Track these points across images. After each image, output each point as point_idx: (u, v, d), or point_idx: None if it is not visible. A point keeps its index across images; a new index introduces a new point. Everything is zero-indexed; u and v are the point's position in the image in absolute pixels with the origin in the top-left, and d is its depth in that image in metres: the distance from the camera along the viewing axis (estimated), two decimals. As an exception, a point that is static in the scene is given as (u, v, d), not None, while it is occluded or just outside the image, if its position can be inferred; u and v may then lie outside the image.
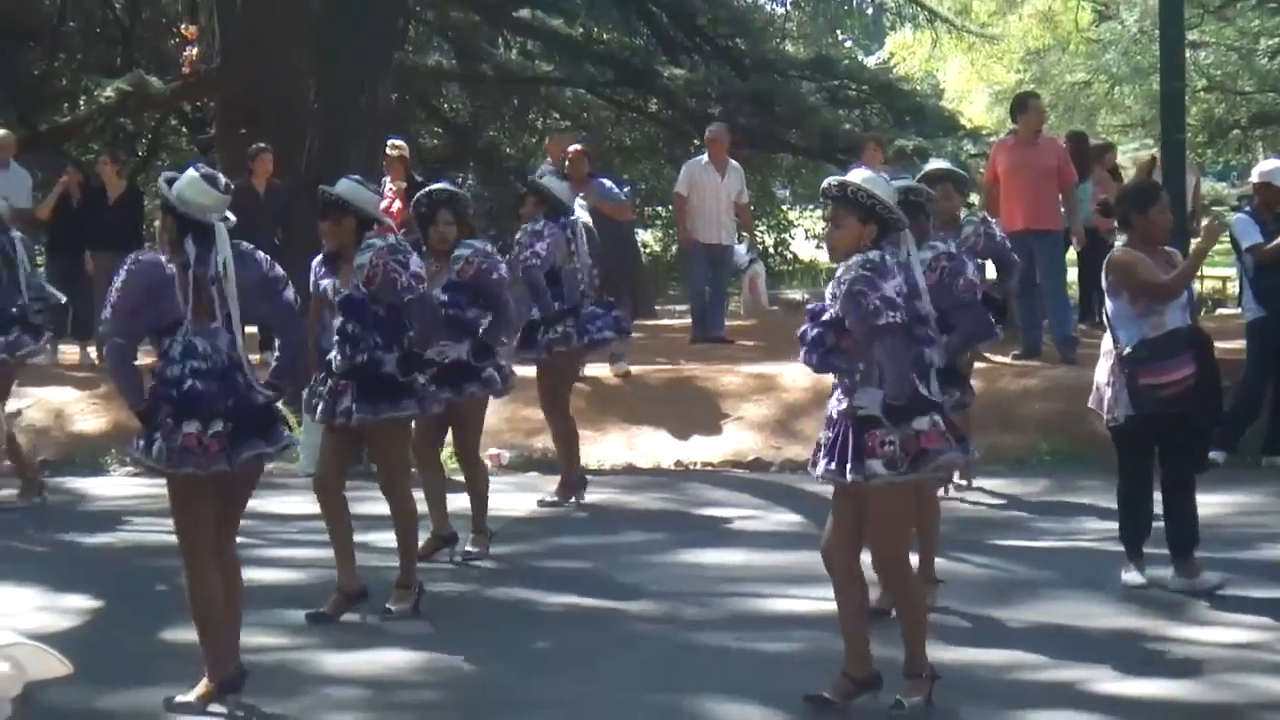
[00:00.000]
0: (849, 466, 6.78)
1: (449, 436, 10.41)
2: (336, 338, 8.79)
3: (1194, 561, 8.97)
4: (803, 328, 6.96)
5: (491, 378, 10.06)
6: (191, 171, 7.16)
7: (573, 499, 11.80)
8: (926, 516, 8.53)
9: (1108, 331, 9.03)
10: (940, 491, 11.26)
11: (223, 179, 7.22)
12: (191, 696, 7.16)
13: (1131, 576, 9.04)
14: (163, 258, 7.09)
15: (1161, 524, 9.09)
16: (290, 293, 7.40)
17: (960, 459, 7.22)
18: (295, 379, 7.95)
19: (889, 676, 6.99)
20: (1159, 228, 8.94)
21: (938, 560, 8.82)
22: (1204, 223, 16.12)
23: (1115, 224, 12.93)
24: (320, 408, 8.81)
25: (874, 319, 6.60)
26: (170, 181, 7.17)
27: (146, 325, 7.11)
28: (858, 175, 6.95)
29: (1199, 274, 18.05)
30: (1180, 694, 7.29)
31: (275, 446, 7.25)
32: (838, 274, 6.81)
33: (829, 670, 7.05)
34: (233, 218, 7.23)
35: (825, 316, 6.84)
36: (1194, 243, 10.73)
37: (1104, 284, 9.03)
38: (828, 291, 6.87)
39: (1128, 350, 8.77)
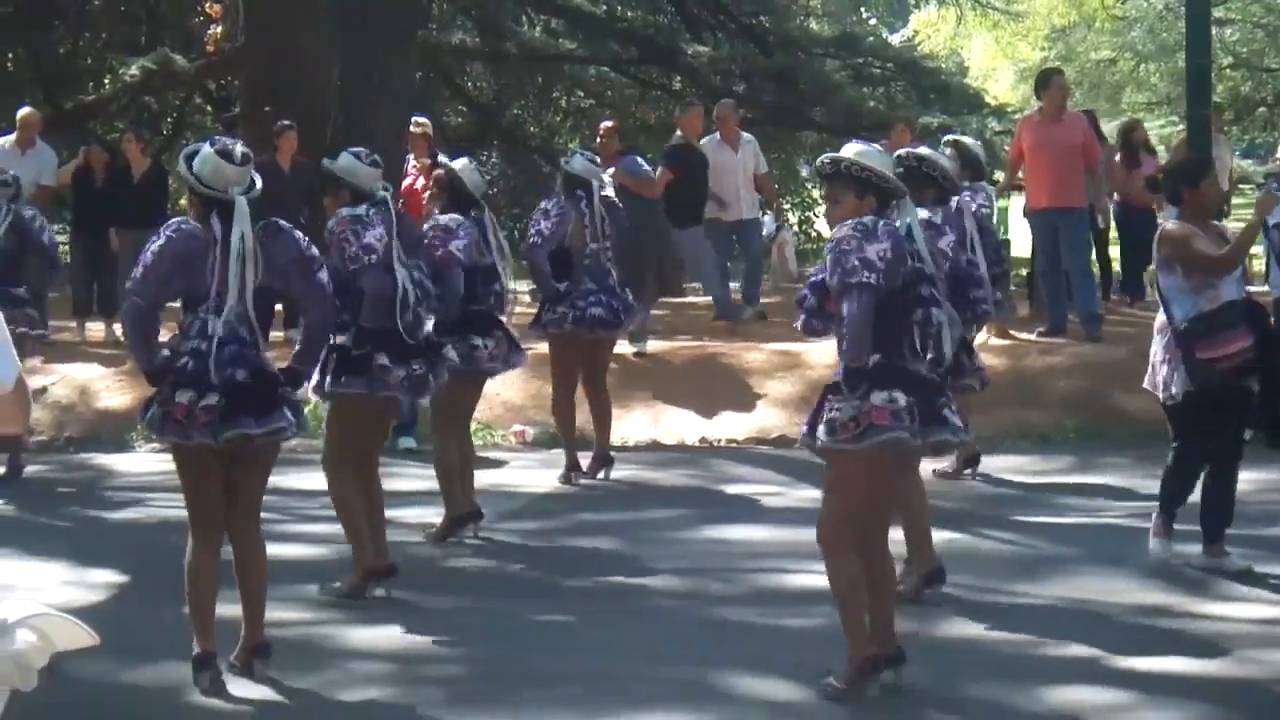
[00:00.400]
0: (808, 430, 6.89)
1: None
2: None
3: (1223, 543, 8.85)
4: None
5: (445, 355, 9.57)
6: (206, 148, 7.14)
7: (599, 475, 11.85)
8: (908, 494, 8.21)
9: (1160, 310, 8.83)
10: (952, 470, 11.29)
11: (239, 150, 7.12)
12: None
13: (1158, 546, 8.96)
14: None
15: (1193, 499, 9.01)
16: (324, 274, 7.36)
17: (909, 442, 6.72)
18: (316, 362, 7.92)
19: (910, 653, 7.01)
20: (1210, 200, 8.88)
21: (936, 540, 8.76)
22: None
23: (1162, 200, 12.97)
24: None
25: (848, 276, 6.60)
26: (190, 158, 7.15)
27: (174, 294, 7.11)
28: (850, 150, 6.94)
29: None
30: (1205, 670, 7.28)
31: (265, 429, 7.07)
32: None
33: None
34: (259, 184, 7.21)
35: (814, 278, 6.92)
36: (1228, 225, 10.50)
37: (1155, 259, 8.86)
38: None
39: (1184, 325, 8.55)
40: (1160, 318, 8.80)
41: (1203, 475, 8.92)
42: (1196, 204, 8.78)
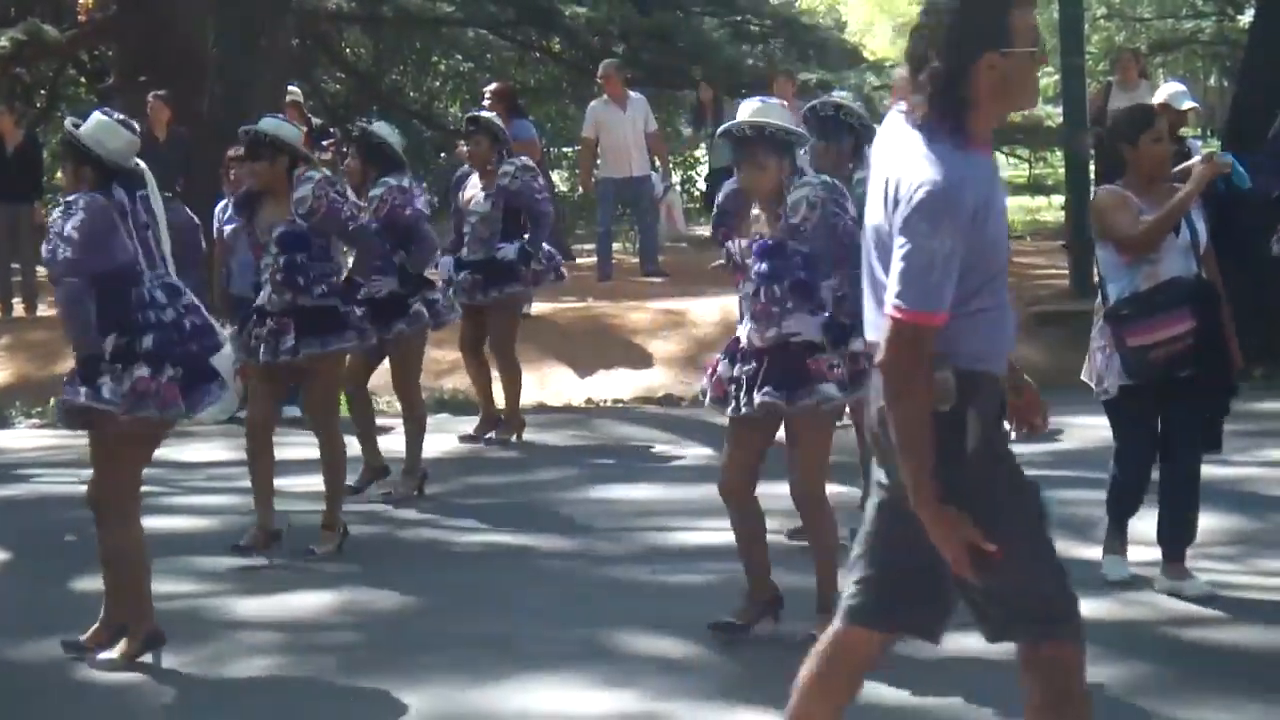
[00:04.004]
0: None
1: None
2: (270, 275, 8.81)
3: (1183, 561, 7.68)
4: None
5: (419, 313, 10.07)
6: (101, 116, 7.07)
7: (514, 437, 11.93)
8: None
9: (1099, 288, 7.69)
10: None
11: (133, 123, 7.18)
12: (115, 653, 7.11)
13: (1113, 568, 7.79)
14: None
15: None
16: (199, 236, 7.48)
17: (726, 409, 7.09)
18: None
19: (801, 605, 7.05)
20: (1154, 160, 7.49)
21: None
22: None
23: None
24: (262, 350, 8.73)
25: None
26: (88, 129, 7.04)
27: (100, 266, 6.95)
28: (747, 108, 6.91)
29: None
30: (1086, 613, 7.27)
31: (226, 392, 7.16)
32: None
33: (738, 600, 7.08)
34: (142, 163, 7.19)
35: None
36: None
37: (1091, 230, 7.80)
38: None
39: (1111, 307, 7.44)
40: (1099, 298, 7.69)
41: (1159, 484, 7.75)
42: (1138, 165, 7.50)
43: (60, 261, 6.86)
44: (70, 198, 6.98)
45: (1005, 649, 4.69)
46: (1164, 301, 7.30)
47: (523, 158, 11.63)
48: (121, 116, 7.14)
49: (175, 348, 6.91)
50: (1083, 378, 7.78)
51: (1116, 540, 7.84)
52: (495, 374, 11.91)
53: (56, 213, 6.99)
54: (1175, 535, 7.63)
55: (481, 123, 11.64)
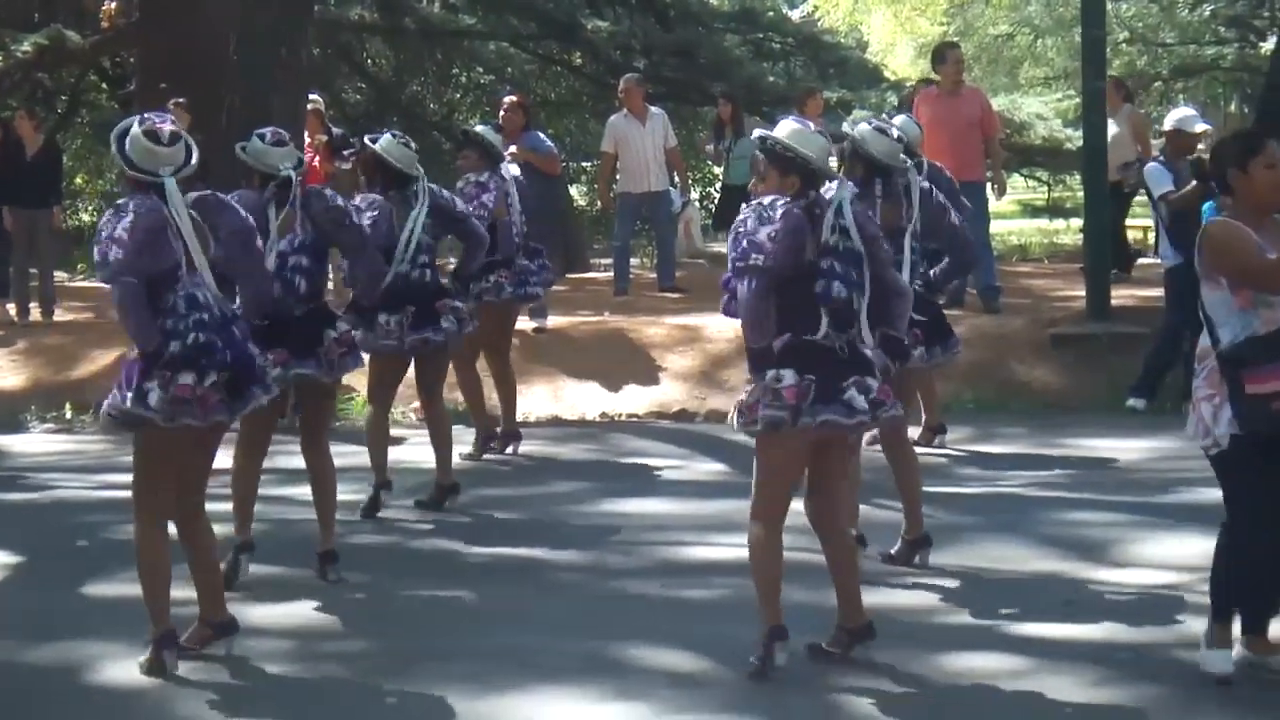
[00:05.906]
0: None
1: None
2: None
3: (1267, 634, 6.80)
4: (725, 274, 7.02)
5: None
6: (135, 128, 7.06)
7: (507, 450, 11.86)
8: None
9: (1204, 331, 6.70)
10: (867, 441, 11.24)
11: (167, 130, 7.04)
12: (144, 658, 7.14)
13: (1217, 660, 6.69)
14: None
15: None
16: (260, 241, 7.43)
17: (786, 424, 6.64)
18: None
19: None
20: (1266, 187, 6.56)
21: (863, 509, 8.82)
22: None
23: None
24: None
25: (740, 260, 6.65)
26: (120, 138, 7.01)
27: (149, 267, 6.91)
28: (783, 129, 6.93)
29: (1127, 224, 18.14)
30: (1100, 635, 7.35)
31: (269, 395, 7.22)
32: None
33: (751, 615, 7.06)
34: (195, 158, 7.10)
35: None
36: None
37: (1198, 266, 6.68)
38: None
39: (1227, 350, 6.51)
40: (1203, 341, 6.73)
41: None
42: (1249, 194, 6.60)
43: (112, 263, 6.84)
44: (121, 200, 7.00)
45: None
46: None
47: (485, 174, 11.43)
48: (155, 128, 7.03)
49: (221, 354, 6.90)
50: (1187, 433, 6.81)
51: (1223, 633, 6.72)
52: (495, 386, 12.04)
53: (108, 214, 6.98)
54: (1263, 602, 6.75)
55: (471, 137, 11.74)
